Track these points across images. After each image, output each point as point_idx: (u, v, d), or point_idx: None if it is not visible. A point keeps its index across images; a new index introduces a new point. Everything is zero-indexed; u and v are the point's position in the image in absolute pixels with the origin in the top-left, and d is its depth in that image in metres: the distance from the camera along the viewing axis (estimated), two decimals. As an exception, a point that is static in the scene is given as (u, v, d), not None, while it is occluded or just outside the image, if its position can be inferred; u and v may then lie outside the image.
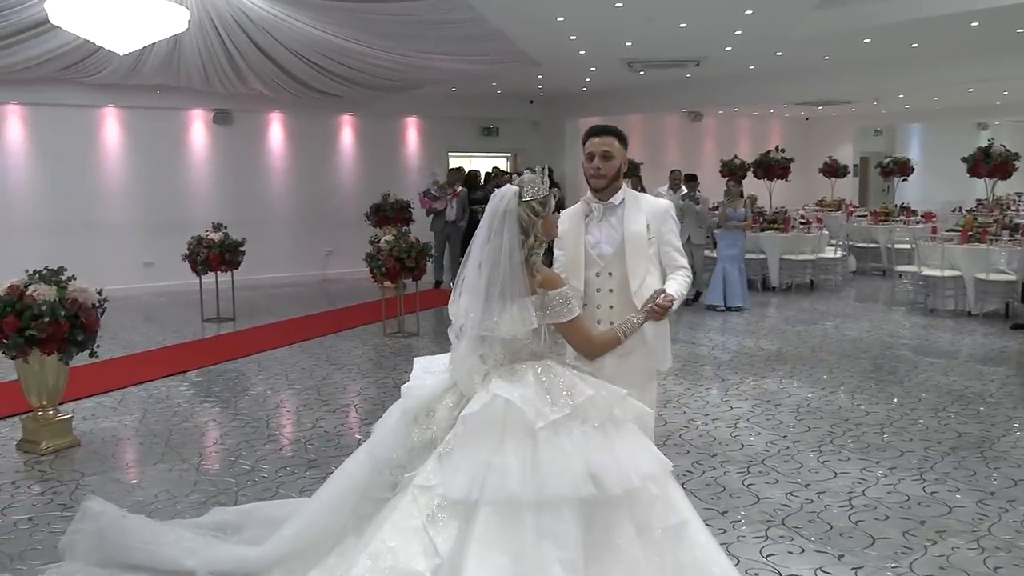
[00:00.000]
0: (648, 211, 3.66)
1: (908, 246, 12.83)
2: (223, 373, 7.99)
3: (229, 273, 10.84)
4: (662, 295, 3.44)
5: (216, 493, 4.92)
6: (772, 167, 13.45)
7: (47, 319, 5.36)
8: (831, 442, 5.81)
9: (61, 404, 5.99)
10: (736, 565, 3.96)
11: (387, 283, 9.77)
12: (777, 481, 5.10)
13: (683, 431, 6.08)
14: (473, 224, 14.13)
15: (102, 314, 5.81)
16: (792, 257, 12.89)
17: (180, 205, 13.68)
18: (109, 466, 5.47)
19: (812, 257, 13.11)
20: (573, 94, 15.85)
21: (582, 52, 10.79)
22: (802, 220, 13.85)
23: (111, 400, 6.99)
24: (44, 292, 5.45)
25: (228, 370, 8.11)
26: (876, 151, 22.37)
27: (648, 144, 19.01)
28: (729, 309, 10.95)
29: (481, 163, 17.92)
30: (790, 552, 4.14)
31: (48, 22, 8.84)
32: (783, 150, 13.78)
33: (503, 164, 18.36)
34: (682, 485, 4.89)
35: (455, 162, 17.21)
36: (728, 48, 10.62)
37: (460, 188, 13.74)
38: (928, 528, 4.41)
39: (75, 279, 5.71)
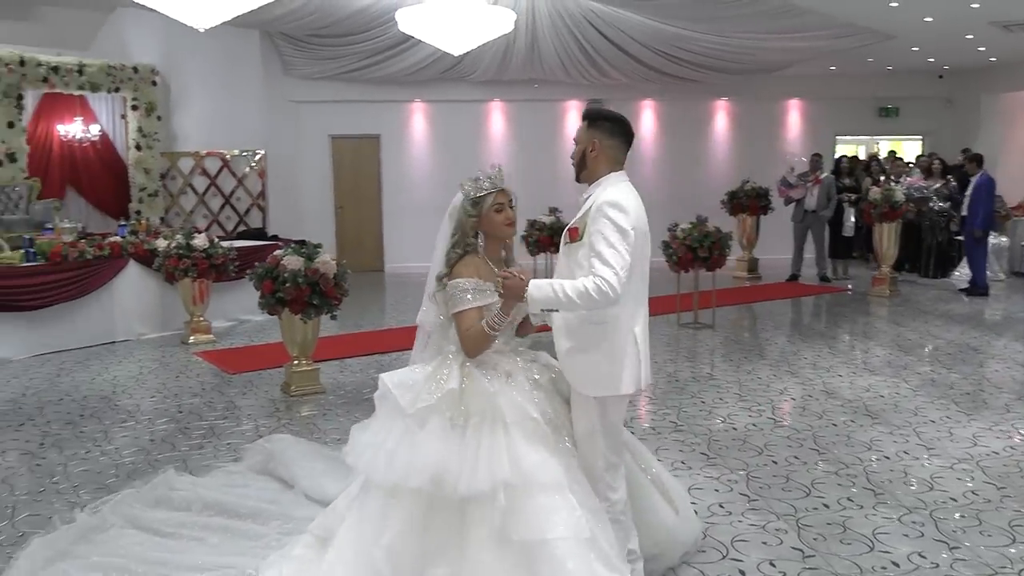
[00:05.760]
0: (592, 207, 3.21)
1: None
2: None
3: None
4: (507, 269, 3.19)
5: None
6: None
7: (290, 284, 6.49)
8: (1058, 504, 4.57)
9: (341, 359, 7.54)
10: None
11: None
12: (922, 535, 4.21)
13: (875, 463, 5.23)
14: (839, 213, 13.04)
15: (344, 283, 6.80)
16: None
17: (552, 189, 14.73)
18: (324, 411, 6.45)
19: None
20: (982, 67, 13.63)
21: (928, 19, 9.31)
22: None
23: (386, 359, 8.08)
24: (293, 262, 6.58)
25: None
26: None
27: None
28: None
29: (882, 147, 16.38)
30: (830, 614, 3.50)
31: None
32: None
33: (908, 148, 16.50)
34: (797, 520, 4.36)
35: (844, 148, 15.96)
36: None
37: (824, 175, 12.72)
38: (1057, 630, 3.36)
39: (322, 252, 6.77)
